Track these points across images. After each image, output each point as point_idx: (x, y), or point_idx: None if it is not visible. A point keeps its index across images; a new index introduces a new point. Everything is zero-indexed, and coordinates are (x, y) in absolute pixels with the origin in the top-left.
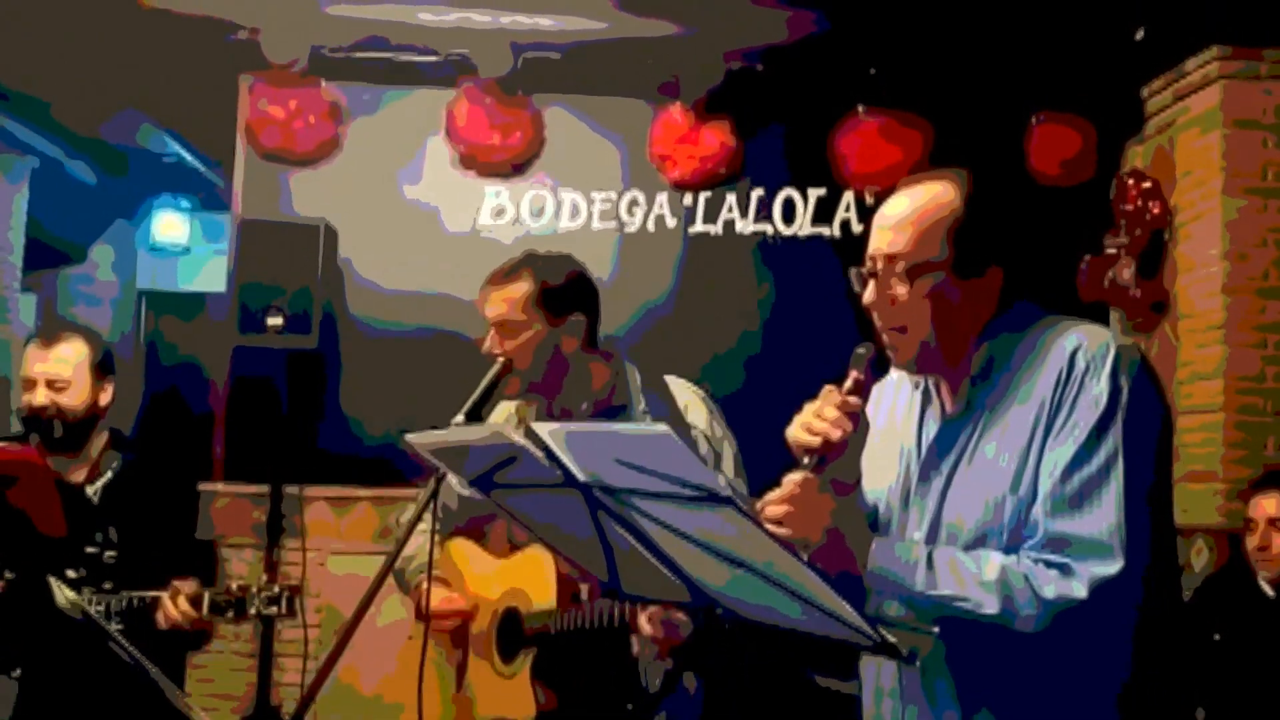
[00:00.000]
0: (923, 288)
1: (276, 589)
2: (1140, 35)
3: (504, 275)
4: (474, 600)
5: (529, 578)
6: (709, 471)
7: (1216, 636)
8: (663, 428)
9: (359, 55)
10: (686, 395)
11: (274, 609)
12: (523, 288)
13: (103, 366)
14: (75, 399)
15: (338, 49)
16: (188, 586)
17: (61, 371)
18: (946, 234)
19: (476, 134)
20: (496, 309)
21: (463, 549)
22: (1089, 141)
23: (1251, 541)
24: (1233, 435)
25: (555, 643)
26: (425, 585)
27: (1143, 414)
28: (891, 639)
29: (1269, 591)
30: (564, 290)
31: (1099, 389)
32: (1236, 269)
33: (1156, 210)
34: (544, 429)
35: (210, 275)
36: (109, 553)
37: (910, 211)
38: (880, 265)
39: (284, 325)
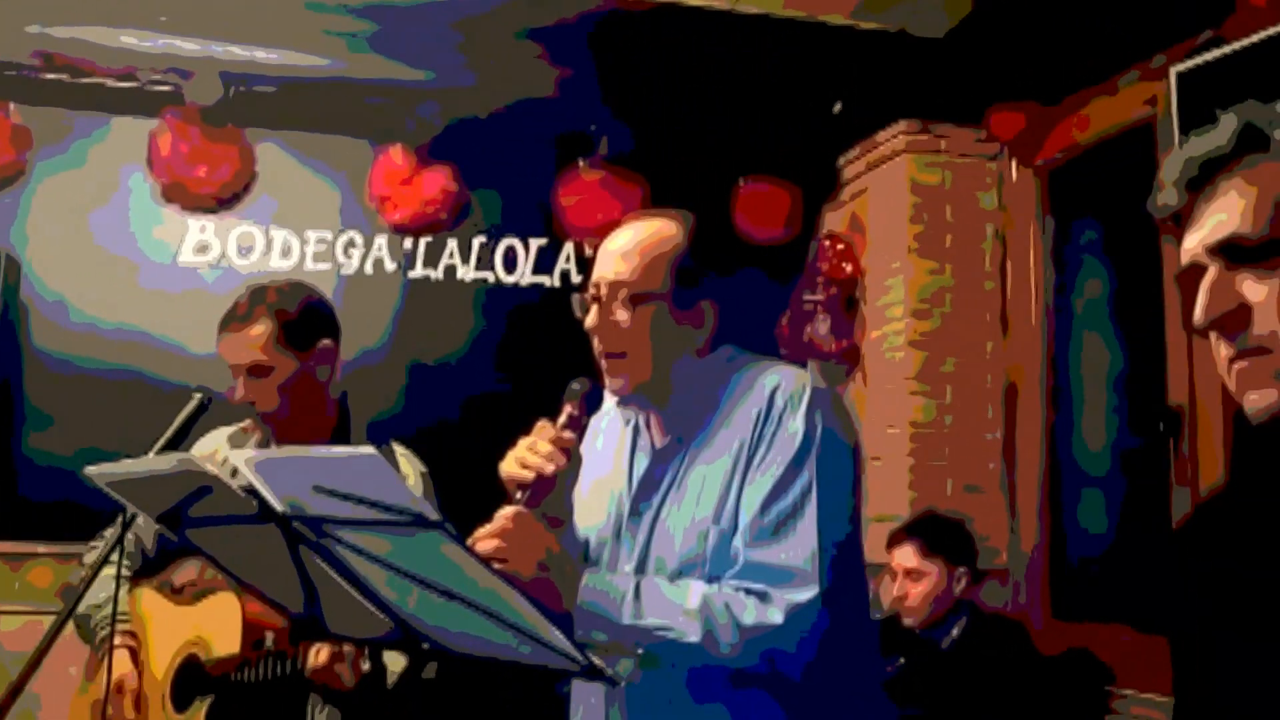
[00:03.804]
0: (645, 315)
1: None
2: (838, 108)
3: (240, 318)
4: (152, 653)
5: (214, 625)
6: (417, 496)
7: (901, 660)
8: (369, 449)
9: (53, 77)
10: (405, 467)
11: None
12: (263, 328)
13: None
14: None
15: (28, 69)
16: None
17: None
18: (670, 267)
19: (181, 165)
20: (239, 356)
21: (147, 598)
22: (793, 205)
23: (892, 590)
24: (916, 479)
25: (233, 689)
26: (110, 639)
27: (835, 450)
28: (599, 663)
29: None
30: (304, 320)
31: (795, 426)
32: (920, 326)
33: (850, 270)
34: (238, 456)
35: None
36: None
37: (636, 243)
38: (605, 292)
39: None
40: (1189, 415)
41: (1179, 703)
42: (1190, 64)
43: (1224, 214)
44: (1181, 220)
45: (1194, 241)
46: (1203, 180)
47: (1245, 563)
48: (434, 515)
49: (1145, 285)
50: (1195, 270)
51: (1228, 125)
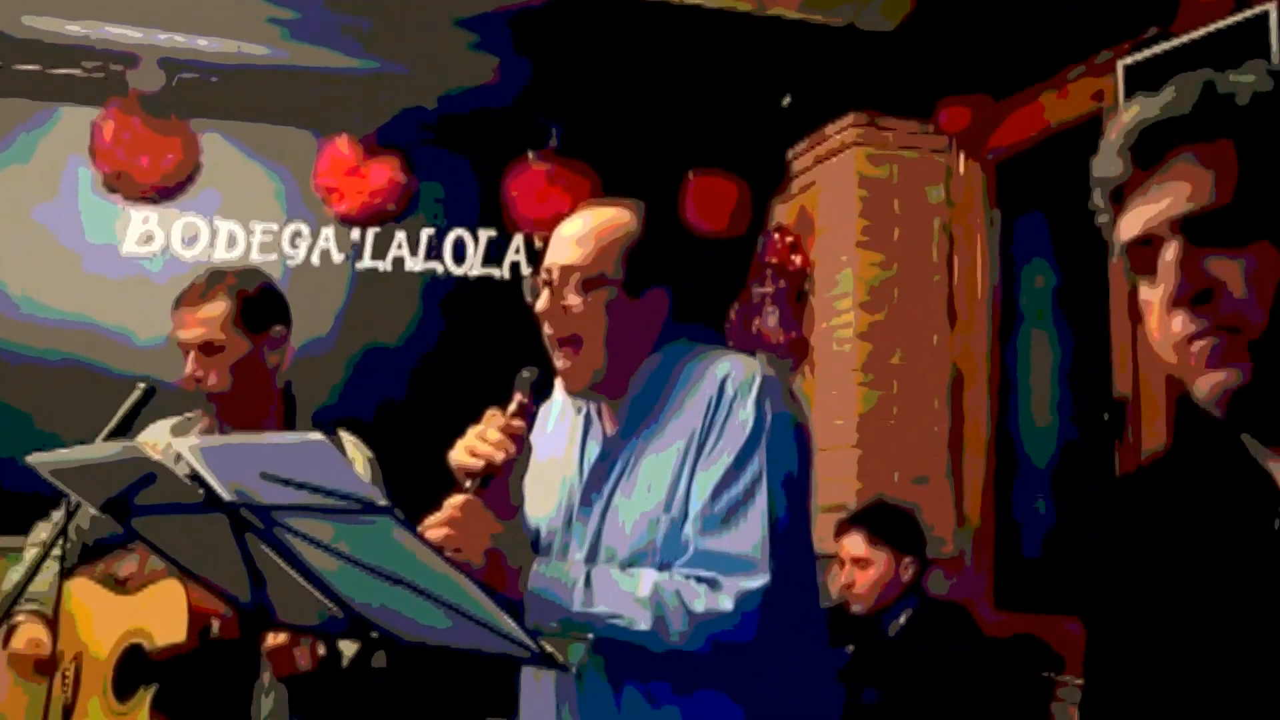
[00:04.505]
0: (597, 300)
1: None
2: (787, 102)
3: (198, 296)
4: (90, 643)
5: (158, 613)
6: (366, 482)
7: (850, 648)
8: (318, 436)
9: None
10: (353, 453)
11: None
12: (220, 307)
13: None
14: None
15: None
16: None
17: None
18: (622, 253)
19: (124, 155)
20: (194, 332)
21: (82, 588)
22: (742, 198)
23: (839, 578)
24: (863, 469)
25: (178, 676)
26: (18, 620)
27: (785, 438)
28: (549, 649)
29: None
30: (261, 302)
31: (745, 414)
32: (867, 318)
33: (798, 263)
34: (183, 444)
35: None
36: None
37: (590, 228)
38: (557, 276)
39: None
40: (1134, 405)
41: (1088, 679)
42: (1137, 58)
43: (1189, 187)
44: (1124, 192)
45: (1153, 212)
46: (1151, 147)
47: (1172, 526)
48: (383, 501)
49: (1091, 278)
50: (1151, 241)
51: (1187, 88)
